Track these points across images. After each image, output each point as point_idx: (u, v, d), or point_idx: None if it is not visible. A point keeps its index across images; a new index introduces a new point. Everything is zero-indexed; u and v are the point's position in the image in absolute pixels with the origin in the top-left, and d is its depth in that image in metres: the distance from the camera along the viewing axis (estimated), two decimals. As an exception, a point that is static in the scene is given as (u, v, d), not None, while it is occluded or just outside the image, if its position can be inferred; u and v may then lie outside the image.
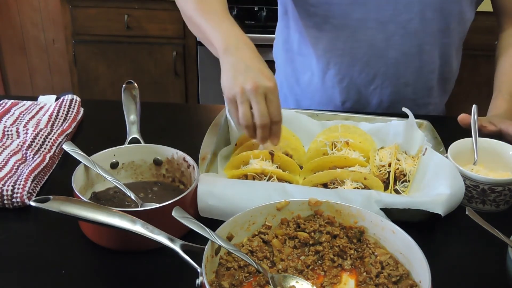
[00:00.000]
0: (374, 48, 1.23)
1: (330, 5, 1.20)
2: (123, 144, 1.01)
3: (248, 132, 0.94)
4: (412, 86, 1.31)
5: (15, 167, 0.99)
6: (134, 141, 1.03)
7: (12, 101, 1.24)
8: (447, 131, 1.08)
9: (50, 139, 1.08)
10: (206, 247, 0.70)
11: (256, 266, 0.71)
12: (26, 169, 0.97)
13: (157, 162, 0.98)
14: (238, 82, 0.91)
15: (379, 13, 1.20)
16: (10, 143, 1.07)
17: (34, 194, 0.95)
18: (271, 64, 1.50)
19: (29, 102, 1.25)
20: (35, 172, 0.96)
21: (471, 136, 1.02)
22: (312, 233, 0.80)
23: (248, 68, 0.92)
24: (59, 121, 1.16)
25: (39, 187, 0.97)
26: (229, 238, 0.77)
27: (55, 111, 1.17)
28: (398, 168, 0.98)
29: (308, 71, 1.34)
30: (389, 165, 0.99)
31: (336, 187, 0.94)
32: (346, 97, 1.32)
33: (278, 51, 1.44)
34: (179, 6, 1.12)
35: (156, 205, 0.84)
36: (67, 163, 1.04)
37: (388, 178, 0.97)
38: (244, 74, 0.91)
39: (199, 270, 0.68)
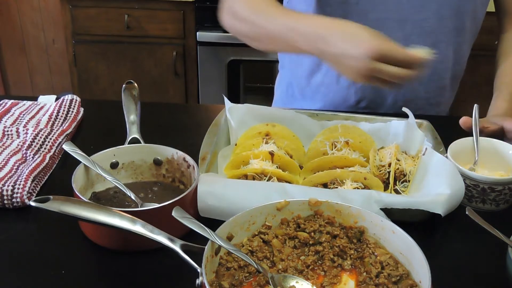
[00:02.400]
0: None
1: (348, 5, 1.19)
2: (123, 144, 1.01)
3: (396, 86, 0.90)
4: (425, 85, 1.30)
5: (15, 167, 0.99)
6: (134, 141, 1.03)
7: (12, 101, 1.24)
8: (447, 131, 1.08)
9: (50, 139, 1.08)
10: (206, 247, 0.70)
11: (256, 266, 0.71)
12: (26, 169, 0.97)
13: (157, 162, 0.98)
14: (359, 49, 0.88)
15: (397, 12, 1.20)
16: (10, 143, 1.07)
17: (34, 194, 0.95)
18: (274, 64, 1.50)
19: (29, 102, 1.25)
20: (35, 172, 0.96)
21: (470, 136, 1.02)
22: (312, 233, 0.80)
23: (356, 34, 0.90)
24: (59, 121, 1.16)
25: (39, 187, 0.97)
26: (229, 238, 0.77)
27: (55, 111, 1.17)
28: (398, 168, 0.98)
29: (319, 71, 1.33)
30: (389, 165, 0.99)
31: (336, 187, 0.94)
32: (361, 96, 1.32)
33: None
34: (234, 29, 1.11)
35: (156, 205, 0.84)
36: (67, 163, 1.04)
37: (388, 178, 0.97)
38: (353, 57, 0.88)
39: (199, 270, 0.68)
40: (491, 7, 1.32)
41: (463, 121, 1.06)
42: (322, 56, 0.95)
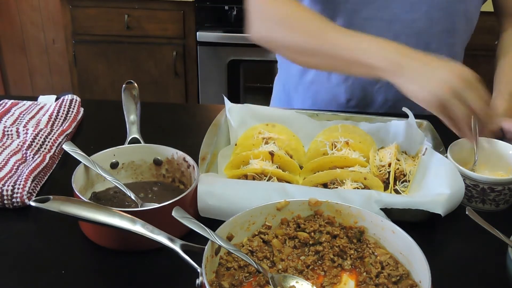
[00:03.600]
0: None
1: (337, 4, 1.20)
2: (123, 144, 1.01)
3: (467, 132, 0.90)
4: None
5: (15, 167, 0.99)
6: (134, 141, 1.03)
7: (12, 101, 1.24)
8: (447, 131, 1.08)
9: (50, 139, 1.08)
10: (206, 247, 0.70)
11: (256, 266, 0.71)
12: (26, 169, 0.97)
13: (157, 162, 0.98)
14: (440, 85, 0.87)
15: (386, 12, 1.20)
16: (10, 143, 1.07)
17: (34, 194, 0.95)
18: (274, 64, 1.50)
19: (29, 102, 1.25)
20: (35, 172, 0.96)
21: None
22: (312, 233, 0.80)
23: (438, 69, 0.89)
24: (59, 121, 1.16)
25: (39, 187, 0.97)
26: (229, 238, 0.77)
27: (55, 111, 1.17)
28: (398, 168, 0.98)
29: (311, 70, 1.34)
30: (389, 165, 0.99)
31: (336, 187, 0.94)
32: (351, 95, 1.32)
33: None
34: (283, 54, 1.09)
35: (156, 205, 0.84)
36: (67, 163, 1.04)
37: (388, 178, 0.97)
38: (439, 77, 0.88)
39: (199, 270, 0.68)
40: (490, 7, 1.32)
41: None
42: (400, 65, 0.93)
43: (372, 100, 1.33)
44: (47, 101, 1.27)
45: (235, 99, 1.22)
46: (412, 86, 0.92)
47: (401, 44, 0.96)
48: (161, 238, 0.72)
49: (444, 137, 1.06)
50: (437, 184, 0.89)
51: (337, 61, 1.02)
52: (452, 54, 1.29)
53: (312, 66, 1.13)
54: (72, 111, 1.20)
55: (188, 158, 0.94)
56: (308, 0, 1.24)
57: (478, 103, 0.88)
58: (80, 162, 0.90)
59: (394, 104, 1.32)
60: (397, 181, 0.98)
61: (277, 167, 1.00)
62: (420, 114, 1.07)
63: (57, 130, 1.12)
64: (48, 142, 1.07)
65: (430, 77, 0.90)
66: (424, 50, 1.24)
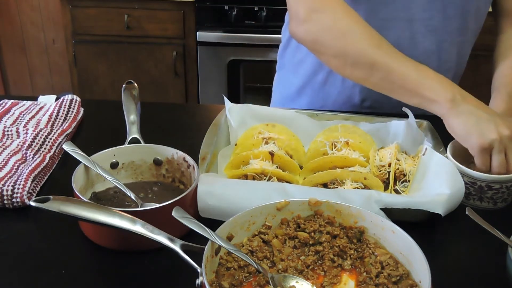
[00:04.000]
0: (399, 47, 1.21)
1: (357, 4, 1.19)
2: (123, 144, 1.01)
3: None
4: None
5: (15, 167, 0.99)
6: (134, 141, 1.03)
7: (12, 101, 1.24)
8: (447, 131, 1.08)
9: (50, 139, 1.08)
10: (206, 247, 0.70)
11: (256, 266, 0.71)
12: (26, 169, 0.97)
13: (157, 162, 0.98)
14: (492, 129, 0.92)
15: (405, 11, 1.20)
16: (10, 143, 1.07)
17: (34, 194, 0.95)
18: (274, 64, 1.50)
19: (29, 102, 1.25)
20: (35, 172, 0.96)
21: None
22: (312, 233, 0.80)
23: (490, 116, 0.94)
24: (59, 121, 1.16)
25: (39, 187, 0.97)
26: (229, 238, 0.77)
27: (55, 111, 1.17)
28: (398, 168, 0.98)
29: (322, 70, 1.33)
30: (389, 165, 0.99)
31: (336, 187, 0.94)
32: (366, 95, 1.31)
33: (286, 51, 1.43)
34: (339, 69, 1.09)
35: (156, 205, 0.84)
36: (67, 163, 1.04)
37: (388, 178, 0.97)
38: (491, 122, 0.93)
39: (199, 270, 0.68)
40: (491, 8, 1.32)
41: None
42: (457, 105, 0.97)
43: (387, 100, 1.32)
44: (47, 101, 1.27)
45: (235, 99, 1.22)
46: (464, 125, 0.95)
47: (455, 84, 1.01)
48: (161, 238, 0.72)
49: (444, 137, 1.06)
50: (437, 184, 0.89)
51: (391, 84, 1.03)
52: (461, 52, 1.29)
53: (357, 81, 1.13)
54: (72, 111, 1.20)
55: (188, 158, 0.94)
56: None
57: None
58: (80, 162, 0.90)
59: (407, 105, 1.31)
60: (397, 181, 0.98)
61: (277, 167, 1.00)
62: (420, 114, 1.07)
63: (57, 130, 1.12)
64: (48, 142, 1.07)
65: (483, 121, 0.94)
66: (438, 48, 1.24)
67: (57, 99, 1.27)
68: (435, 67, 1.25)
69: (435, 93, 0.98)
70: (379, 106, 1.31)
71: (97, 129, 1.23)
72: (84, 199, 0.83)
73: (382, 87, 1.05)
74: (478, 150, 0.93)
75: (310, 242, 0.80)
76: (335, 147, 1.04)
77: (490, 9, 1.32)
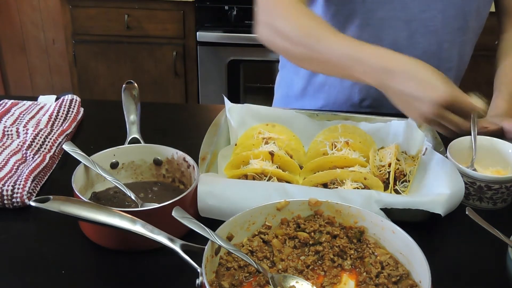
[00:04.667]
0: (397, 46, 1.22)
1: (354, 3, 1.19)
2: (123, 144, 1.01)
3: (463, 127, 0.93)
4: None
5: (15, 167, 0.99)
6: (134, 141, 1.03)
7: (12, 101, 1.24)
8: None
9: (50, 139, 1.08)
10: (206, 247, 0.70)
11: (256, 266, 0.71)
12: (26, 169, 0.97)
13: (157, 162, 0.98)
14: (431, 94, 0.89)
15: (403, 11, 1.20)
16: (10, 143, 1.07)
17: (34, 194, 0.95)
18: (274, 64, 1.50)
19: (29, 102, 1.25)
20: (35, 172, 0.96)
21: (470, 135, 1.02)
22: (312, 233, 0.80)
23: (429, 79, 0.91)
24: (59, 121, 1.16)
25: (39, 187, 0.97)
26: (229, 238, 0.77)
27: (55, 111, 1.17)
28: (398, 168, 0.98)
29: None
30: (389, 165, 0.99)
31: (336, 187, 0.94)
32: (365, 95, 1.31)
33: None
34: (275, 46, 1.09)
35: (156, 205, 0.84)
36: (67, 163, 1.04)
37: (388, 178, 0.97)
38: (414, 106, 0.91)
39: (199, 270, 0.68)
40: (491, 7, 1.32)
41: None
42: (384, 89, 0.95)
43: (386, 100, 1.32)
44: (47, 101, 1.27)
45: (235, 99, 1.22)
46: (397, 105, 0.95)
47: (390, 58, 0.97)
48: (161, 238, 0.72)
49: (444, 137, 1.06)
50: (437, 184, 0.89)
51: (331, 71, 1.05)
52: (463, 52, 1.29)
53: (314, 71, 1.14)
54: (72, 111, 1.20)
55: (188, 158, 0.94)
56: (323, 1, 1.23)
57: (458, 121, 0.91)
58: (80, 162, 0.90)
59: None
60: (397, 181, 0.98)
61: (277, 167, 1.00)
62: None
63: (57, 130, 1.12)
64: (48, 142, 1.07)
65: (409, 104, 0.92)
66: (438, 48, 1.24)
67: (57, 99, 1.27)
68: (436, 67, 1.25)
69: (365, 76, 0.96)
70: (378, 105, 1.31)
71: (97, 129, 1.23)
72: (84, 199, 0.83)
73: (322, 69, 1.08)
74: (425, 120, 0.92)
75: (310, 242, 0.80)
76: (335, 147, 1.04)
77: (491, 9, 1.32)
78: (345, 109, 1.31)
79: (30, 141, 1.05)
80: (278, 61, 1.51)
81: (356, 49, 0.98)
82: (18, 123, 1.15)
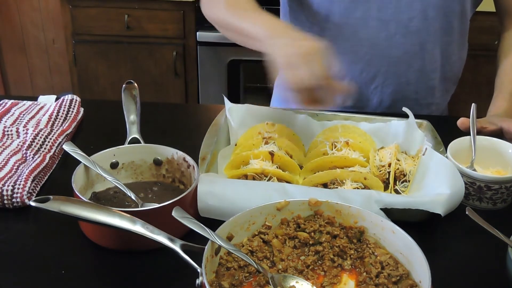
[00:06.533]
0: (376, 47, 1.23)
1: (331, 3, 1.20)
2: (123, 144, 1.01)
3: (303, 95, 0.94)
4: (413, 86, 1.31)
5: (15, 167, 0.99)
6: (134, 141, 1.03)
7: (12, 101, 1.24)
8: (447, 131, 1.08)
9: (50, 139, 1.08)
10: (206, 247, 0.70)
11: (256, 266, 0.71)
12: (26, 169, 0.97)
13: (157, 162, 0.98)
14: (293, 48, 0.93)
15: (380, 11, 1.20)
16: (10, 143, 1.07)
17: (34, 194, 0.95)
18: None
19: (29, 102, 1.25)
20: (35, 172, 0.96)
21: (470, 135, 1.02)
22: (312, 233, 0.80)
23: (295, 40, 0.95)
24: (59, 121, 1.16)
25: (39, 187, 0.97)
26: (229, 238, 0.77)
27: (55, 111, 1.17)
28: (398, 168, 0.98)
29: None
30: (389, 165, 0.99)
31: (336, 187, 0.94)
32: (346, 95, 1.32)
33: None
34: (209, 16, 1.18)
35: (156, 205, 0.84)
36: (67, 163, 1.04)
37: (388, 178, 0.97)
38: (295, 43, 0.94)
39: (199, 270, 0.68)
40: (491, 7, 1.32)
41: (460, 122, 1.06)
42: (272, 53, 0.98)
43: (367, 100, 1.33)
44: (47, 101, 1.27)
45: (235, 99, 1.22)
46: (273, 53, 0.97)
47: (280, 24, 1.06)
48: (161, 238, 0.72)
49: (444, 137, 1.06)
50: (437, 184, 0.89)
51: (240, 38, 1.09)
52: (446, 53, 1.29)
53: (233, 41, 1.22)
54: (72, 111, 1.20)
55: (188, 158, 0.94)
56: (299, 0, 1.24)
57: (320, 69, 0.91)
58: (80, 162, 0.90)
59: (390, 105, 1.32)
60: (397, 181, 0.98)
61: (277, 167, 1.00)
62: (420, 114, 1.07)
63: (57, 130, 1.12)
64: (48, 142, 1.07)
65: (289, 46, 0.95)
66: (420, 49, 1.24)
67: (57, 99, 1.27)
68: (419, 68, 1.26)
69: (255, 32, 1.02)
70: (361, 106, 1.33)
71: (97, 129, 1.23)
72: (84, 199, 0.83)
73: (238, 41, 1.11)
74: (283, 69, 0.94)
75: (310, 242, 0.80)
76: (335, 147, 1.04)
77: (491, 9, 1.32)
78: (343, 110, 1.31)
79: (30, 141, 1.05)
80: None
81: (251, 18, 1.07)
82: (18, 123, 1.15)
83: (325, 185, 0.96)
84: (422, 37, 1.24)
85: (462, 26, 1.27)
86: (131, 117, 1.08)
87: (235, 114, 1.12)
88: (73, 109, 1.20)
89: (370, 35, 1.23)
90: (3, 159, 1.01)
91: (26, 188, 0.92)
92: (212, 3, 1.18)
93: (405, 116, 1.06)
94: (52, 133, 1.09)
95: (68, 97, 1.22)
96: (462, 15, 1.24)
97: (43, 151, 1.05)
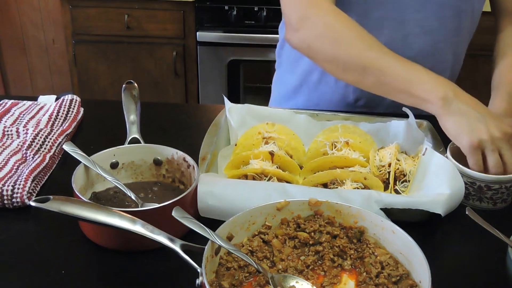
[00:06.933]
0: (391, 47, 1.22)
1: (348, 4, 1.19)
2: (123, 144, 1.01)
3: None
4: None
5: (15, 167, 0.99)
6: (134, 141, 1.03)
7: (12, 101, 1.24)
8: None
9: (50, 139, 1.08)
10: (206, 247, 0.70)
11: (256, 266, 0.71)
12: (26, 169, 0.97)
13: (157, 162, 0.98)
14: (482, 130, 0.92)
15: (398, 11, 1.20)
16: (10, 143, 1.07)
17: (34, 194, 0.95)
18: (273, 64, 1.50)
19: (29, 102, 1.25)
20: (35, 172, 0.96)
21: None
22: (312, 233, 0.80)
23: (482, 115, 0.93)
24: (59, 121, 1.16)
25: (39, 187, 0.97)
26: (229, 238, 0.77)
27: (55, 111, 1.17)
28: (398, 168, 0.98)
29: (316, 69, 1.33)
30: (389, 165, 0.99)
31: (336, 187, 0.94)
32: (359, 95, 1.31)
33: (283, 50, 1.43)
34: (321, 50, 1.08)
35: (156, 205, 0.84)
36: (67, 163, 1.04)
37: (388, 178, 0.97)
38: (482, 122, 0.92)
39: (199, 270, 0.68)
40: (489, 7, 1.32)
41: None
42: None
43: (380, 100, 1.32)
44: (47, 101, 1.27)
45: (235, 99, 1.22)
46: (455, 125, 0.95)
47: (450, 82, 1.00)
48: (161, 238, 0.72)
49: (444, 137, 1.06)
50: (437, 184, 0.89)
51: (384, 86, 1.02)
52: (457, 52, 1.29)
53: (352, 83, 1.14)
54: (72, 111, 1.20)
55: (188, 158, 0.94)
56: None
57: (510, 156, 0.93)
58: (80, 162, 0.90)
59: (401, 105, 1.31)
60: (397, 181, 0.97)
61: (277, 167, 1.00)
62: (420, 114, 1.07)
63: (57, 130, 1.12)
64: (48, 142, 1.07)
65: (473, 121, 0.93)
66: (433, 49, 1.24)
67: (57, 99, 1.27)
68: (431, 68, 1.25)
69: (427, 92, 0.97)
70: (373, 105, 1.31)
71: (97, 129, 1.23)
72: (84, 199, 0.83)
73: (375, 89, 1.05)
74: (468, 149, 0.93)
75: (310, 242, 0.80)
76: (335, 147, 1.04)
77: (489, 9, 1.32)
78: (340, 109, 1.31)
79: (30, 141, 1.05)
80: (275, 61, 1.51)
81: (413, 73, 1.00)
82: (18, 123, 1.15)
83: (325, 185, 0.96)
84: (435, 37, 1.23)
85: (472, 25, 1.28)
86: (131, 117, 1.07)
87: (235, 114, 1.12)
88: (73, 109, 1.20)
89: (386, 35, 1.22)
90: (3, 159, 1.01)
91: (26, 188, 0.92)
92: (317, 36, 1.06)
93: (405, 116, 1.06)
94: (52, 133, 1.09)
95: (68, 97, 1.22)
96: (473, 15, 1.25)
97: (43, 151, 1.05)
